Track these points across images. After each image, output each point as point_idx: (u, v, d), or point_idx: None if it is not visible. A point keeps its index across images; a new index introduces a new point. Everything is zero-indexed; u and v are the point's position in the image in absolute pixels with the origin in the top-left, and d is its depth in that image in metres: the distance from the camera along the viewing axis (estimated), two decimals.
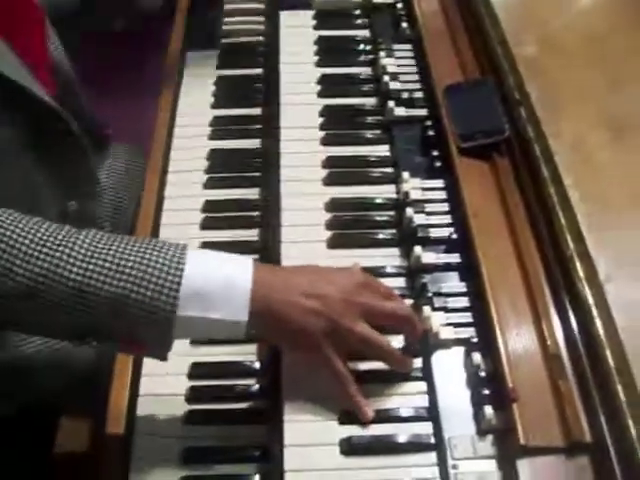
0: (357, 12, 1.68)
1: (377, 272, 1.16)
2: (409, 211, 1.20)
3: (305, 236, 1.22)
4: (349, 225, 1.24)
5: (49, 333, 1.03)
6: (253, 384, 1.09)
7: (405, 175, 1.26)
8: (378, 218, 1.25)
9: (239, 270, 0.97)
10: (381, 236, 1.22)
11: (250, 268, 0.97)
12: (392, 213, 1.25)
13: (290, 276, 1.02)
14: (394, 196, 1.28)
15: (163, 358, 0.98)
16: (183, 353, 1.10)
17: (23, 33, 1.19)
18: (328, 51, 1.58)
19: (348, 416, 1.01)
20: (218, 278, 0.95)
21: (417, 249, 1.15)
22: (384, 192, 1.29)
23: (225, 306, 0.94)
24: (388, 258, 1.19)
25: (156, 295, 0.92)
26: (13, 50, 1.12)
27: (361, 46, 1.59)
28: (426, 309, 1.07)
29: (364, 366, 1.06)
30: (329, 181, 1.31)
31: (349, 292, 1.01)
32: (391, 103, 1.39)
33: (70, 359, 1.25)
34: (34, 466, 1.30)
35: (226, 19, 1.72)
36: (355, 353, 1.04)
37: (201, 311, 0.93)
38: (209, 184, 1.37)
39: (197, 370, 1.10)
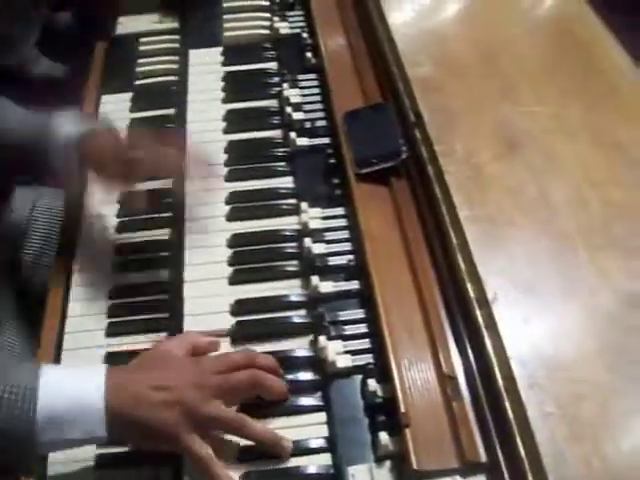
0: (265, 45, 1.68)
1: (280, 304, 1.17)
2: (307, 241, 1.20)
3: (208, 274, 1.22)
4: (251, 259, 1.24)
5: None
6: None
7: (304, 206, 1.26)
8: (281, 250, 1.25)
9: (91, 387, 0.98)
10: (284, 268, 1.22)
11: (102, 383, 0.98)
12: (295, 244, 1.25)
13: (138, 374, 1.03)
14: (297, 227, 1.27)
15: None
16: None
17: None
18: (235, 86, 1.58)
19: (247, 453, 1.01)
20: (71, 399, 0.97)
21: (314, 279, 1.15)
22: (288, 224, 1.29)
23: (81, 426, 0.96)
24: (291, 289, 1.19)
25: (15, 426, 0.94)
26: None
27: (267, 79, 1.59)
28: (322, 339, 1.07)
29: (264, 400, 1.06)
30: (232, 217, 1.31)
31: (197, 377, 1.01)
32: (293, 134, 1.39)
33: None
34: None
35: (140, 60, 1.72)
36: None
37: (60, 434, 0.95)
38: (120, 228, 1.36)
39: None
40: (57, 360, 1.16)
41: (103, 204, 1.38)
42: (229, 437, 1.02)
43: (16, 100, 1.41)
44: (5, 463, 0.99)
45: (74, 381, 0.99)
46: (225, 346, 1.14)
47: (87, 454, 1.04)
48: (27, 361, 1.04)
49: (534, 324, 0.98)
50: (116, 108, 1.59)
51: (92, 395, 0.97)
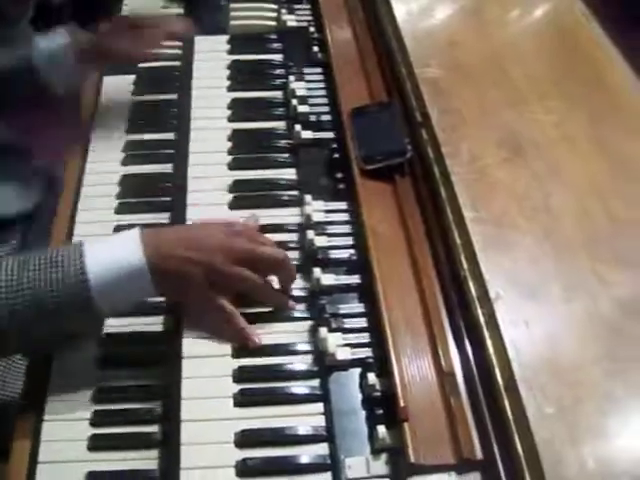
0: (271, 36, 1.69)
1: None
2: (310, 234, 1.21)
3: None
4: None
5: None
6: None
7: (307, 198, 1.27)
8: (283, 241, 1.25)
9: (130, 253, 1.06)
10: None
11: (139, 246, 1.06)
12: (296, 236, 1.26)
13: (170, 234, 1.13)
14: (299, 219, 1.28)
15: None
16: None
17: None
18: (240, 75, 1.59)
19: (244, 438, 1.02)
20: (117, 268, 1.04)
21: (316, 271, 1.16)
22: (290, 215, 1.30)
23: (132, 289, 1.07)
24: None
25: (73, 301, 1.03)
26: None
27: (273, 70, 1.60)
28: (322, 330, 1.08)
29: (262, 387, 1.07)
30: (235, 205, 1.32)
31: (224, 240, 1.11)
32: (298, 126, 1.41)
33: None
34: None
35: None
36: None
37: (114, 298, 1.06)
38: (120, 209, 1.37)
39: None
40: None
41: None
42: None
43: None
44: (74, 331, 1.12)
45: (114, 249, 1.06)
46: None
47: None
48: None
49: (535, 326, 0.99)
50: (118, 90, 1.60)
51: (134, 260, 1.05)
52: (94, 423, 1.07)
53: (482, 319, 1.01)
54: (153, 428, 1.06)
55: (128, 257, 1.05)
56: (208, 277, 1.08)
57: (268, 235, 1.24)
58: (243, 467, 0.99)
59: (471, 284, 1.04)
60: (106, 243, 1.09)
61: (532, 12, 1.55)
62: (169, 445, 1.03)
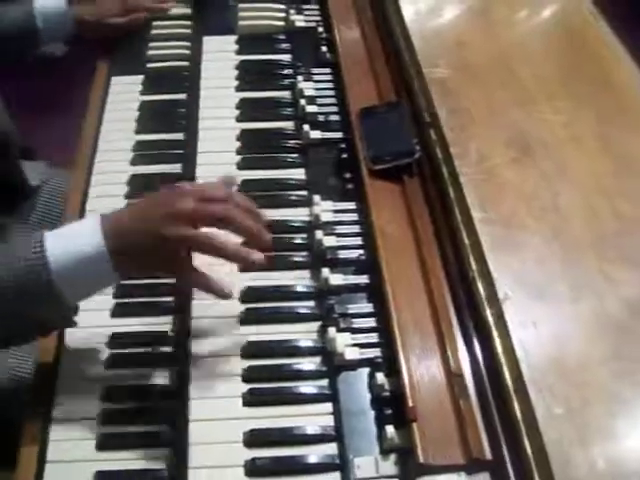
0: (280, 36, 1.70)
1: (288, 294, 1.19)
2: (319, 233, 1.21)
3: (217, 260, 1.21)
4: None
5: None
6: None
7: (316, 198, 1.27)
8: (291, 241, 1.26)
9: (88, 238, 1.04)
10: (294, 259, 1.24)
11: (97, 229, 1.04)
12: (305, 235, 1.26)
13: (124, 211, 1.11)
14: (307, 219, 1.29)
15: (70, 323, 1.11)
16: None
17: None
18: (249, 75, 1.59)
19: (252, 438, 1.02)
20: (77, 255, 1.02)
21: (325, 271, 1.16)
22: (299, 215, 1.31)
23: (94, 274, 1.04)
24: (300, 280, 1.20)
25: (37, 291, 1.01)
26: None
27: (282, 70, 1.61)
28: (331, 330, 1.09)
29: (271, 387, 1.08)
30: None
31: (169, 205, 1.06)
32: (307, 126, 1.41)
33: None
34: None
35: (151, 44, 1.72)
36: None
37: (78, 285, 1.04)
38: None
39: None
40: None
41: None
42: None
43: (14, 77, 1.45)
44: (43, 321, 1.08)
45: (73, 237, 1.04)
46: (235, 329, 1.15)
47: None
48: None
49: (543, 326, 0.99)
50: (126, 90, 1.60)
51: (91, 244, 1.03)
52: (103, 422, 1.08)
53: (491, 319, 1.01)
54: (162, 427, 1.07)
55: (88, 242, 1.03)
56: (158, 245, 1.05)
57: (276, 235, 1.24)
58: (252, 467, 1.00)
59: (479, 284, 1.04)
60: (65, 230, 1.07)
61: (540, 11, 1.55)
62: (177, 444, 1.03)
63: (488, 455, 0.95)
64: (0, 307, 1.03)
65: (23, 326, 1.07)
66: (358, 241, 1.23)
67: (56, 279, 1.01)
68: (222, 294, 1.09)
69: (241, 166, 1.39)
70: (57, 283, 1.01)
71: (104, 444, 1.06)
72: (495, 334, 0.99)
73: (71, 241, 1.03)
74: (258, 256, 1.08)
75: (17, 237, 1.07)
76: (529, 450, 0.89)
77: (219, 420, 1.04)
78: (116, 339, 1.16)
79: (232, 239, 1.08)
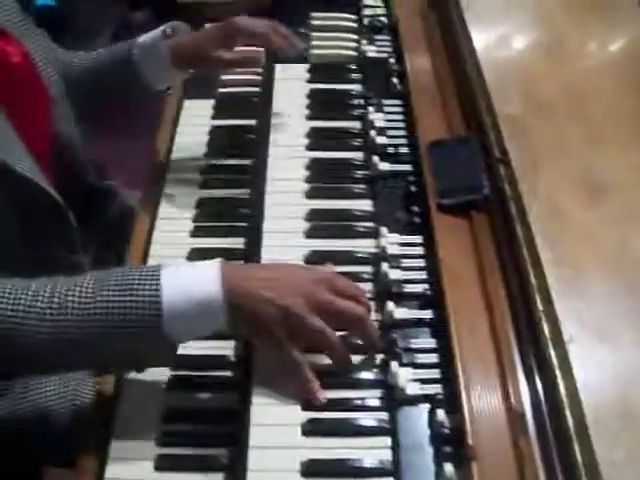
0: (351, 66, 1.71)
1: None
2: (385, 266, 1.21)
3: None
4: None
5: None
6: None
7: (383, 230, 1.27)
8: (357, 272, 1.26)
9: (208, 284, 1.05)
10: None
11: (217, 278, 1.05)
12: (370, 267, 1.27)
13: (252, 271, 1.12)
14: (374, 250, 1.29)
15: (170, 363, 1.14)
16: None
17: (30, 118, 1.24)
18: (319, 104, 1.61)
19: (310, 467, 1.02)
20: (192, 298, 1.04)
21: (390, 304, 1.16)
22: (364, 246, 1.31)
23: (204, 320, 1.06)
24: None
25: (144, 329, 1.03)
26: (20, 137, 1.18)
27: (352, 100, 1.62)
28: (394, 364, 1.08)
29: (330, 417, 1.08)
30: (310, 234, 1.33)
31: (307, 286, 1.09)
32: (376, 158, 1.41)
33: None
34: None
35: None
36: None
37: (186, 328, 1.05)
38: (196, 232, 1.39)
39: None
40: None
41: None
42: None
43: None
44: (144, 359, 1.11)
45: (192, 279, 1.06)
46: None
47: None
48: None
49: (607, 370, 0.98)
50: (197, 114, 1.62)
51: (210, 291, 1.04)
52: (161, 443, 1.09)
53: (555, 360, 1.00)
54: (221, 452, 1.07)
55: (205, 288, 1.04)
56: (285, 322, 1.07)
57: (342, 266, 1.25)
58: None
59: (545, 325, 1.04)
60: (185, 271, 1.08)
61: (614, 45, 1.54)
62: (236, 470, 1.04)
63: None
64: (104, 340, 1.04)
65: (123, 358, 1.11)
66: (423, 275, 1.22)
67: (166, 325, 1.03)
68: (311, 399, 1.09)
69: (309, 195, 1.40)
70: (167, 329, 1.03)
71: (162, 465, 1.07)
72: (559, 375, 0.99)
73: (188, 286, 1.04)
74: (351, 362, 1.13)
75: (131, 270, 1.07)
76: None
77: (277, 448, 1.05)
78: (179, 360, 1.17)
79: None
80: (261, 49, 1.56)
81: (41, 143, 1.27)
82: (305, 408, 1.07)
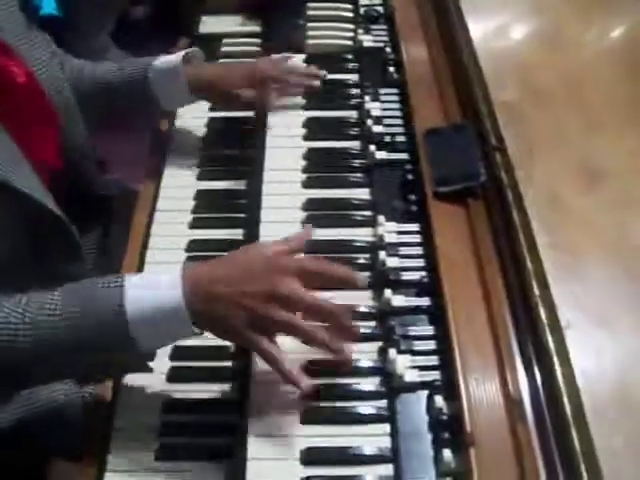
0: (348, 56, 1.71)
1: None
2: (382, 254, 1.22)
3: None
4: None
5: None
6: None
7: (380, 219, 1.27)
8: (354, 260, 1.26)
9: (168, 291, 1.04)
10: None
11: (178, 285, 1.04)
12: (368, 256, 1.27)
13: (214, 271, 1.08)
14: (371, 239, 1.29)
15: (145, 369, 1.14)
16: None
17: (35, 137, 1.24)
18: (316, 94, 1.60)
19: (309, 456, 1.03)
20: (155, 307, 1.04)
21: (387, 292, 1.16)
22: (362, 235, 1.31)
23: (170, 327, 1.05)
24: (362, 301, 1.20)
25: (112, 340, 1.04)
26: (25, 155, 1.19)
27: (349, 90, 1.61)
28: (392, 352, 1.09)
29: (329, 405, 1.08)
30: (308, 223, 1.33)
31: (268, 280, 1.05)
32: (372, 147, 1.41)
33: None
34: None
35: (221, 60, 1.76)
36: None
37: (153, 336, 1.05)
38: (195, 224, 1.39)
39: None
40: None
41: None
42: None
43: None
44: (117, 364, 1.14)
45: (154, 289, 1.05)
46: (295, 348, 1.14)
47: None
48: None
49: (606, 357, 0.98)
50: (195, 106, 1.61)
51: (172, 299, 1.03)
52: (162, 433, 1.10)
53: (552, 346, 1.00)
54: (220, 441, 1.08)
55: (167, 295, 1.04)
56: (251, 321, 1.05)
57: (339, 254, 1.25)
58: None
59: (542, 311, 1.04)
60: (147, 280, 1.07)
61: (611, 33, 1.54)
62: (235, 459, 1.04)
63: None
64: (77, 351, 1.05)
65: (96, 367, 1.12)
66: (421, 263, 1.23)
67: (134, 336, 1.03)
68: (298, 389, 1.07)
69: (306, 184, 1.40)
70: (137, 340, 1.03)
71: (162, 455, 1.08)
72: (556, 361, 0.99)
73: (151, 292, 1.04)
74: (348, 355, 1.10)
75: (96, 282, 1.08)
76: None
77: (277, 437, 1.05)
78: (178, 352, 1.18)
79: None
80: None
81: (48, 159, 1.28)
82: (302, 398, 1.07)
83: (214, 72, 1.52)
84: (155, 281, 1.06)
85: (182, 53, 1.49)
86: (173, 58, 1.48)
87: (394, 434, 1.04)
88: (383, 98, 1.54)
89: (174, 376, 1.16)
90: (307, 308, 1.06)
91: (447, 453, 0.98)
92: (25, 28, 1.31)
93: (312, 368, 1.11)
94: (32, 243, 1.22)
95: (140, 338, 1.03)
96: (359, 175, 1.42)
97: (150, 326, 1.03)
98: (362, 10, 1.79)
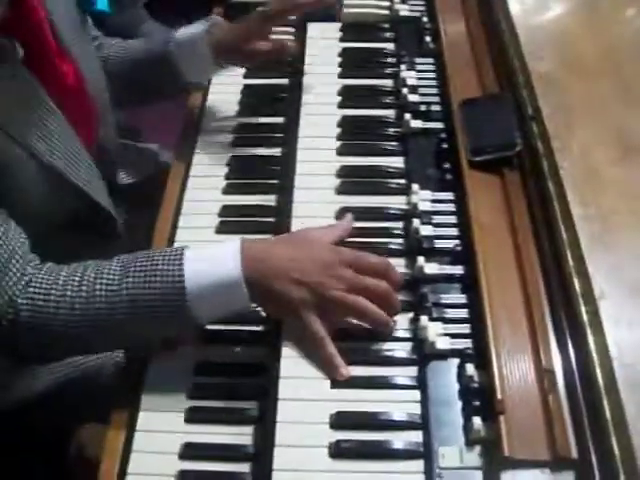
0: (383, 25, 1.70)
1: None
2: (416, 222, 1.21)
3: None
4: (357, 234, 1.24)
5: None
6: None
7: (415, 187, 1.27)
8: (388, 228, 1.26)
9: (229, 264, 1.07)
10: (390, 246, 1.23)
11: (238, 258, 1.07)
12: (402, 224, 1.27)
13: (276, 249, 1.13)
14: (405, 207, 1.29)
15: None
16: None
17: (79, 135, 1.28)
18: (352, 63, 1.60)
19: (339, 420, 1.03)
20: (214, 279, 1.07)
21: (420, 259, 1.16)
22: (396, 203, 1.30)
23: (227, 299, 1.08)
24: (396, 268, 1.19)
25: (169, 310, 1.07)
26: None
27: (384, 59, 1.61)
28: (423, 319, 1.09)
29: (360, 370, 1.08)
30: (341, 190, 1.33)
31: (332, 266, 1.10)
32: (408, 115, 1.41)
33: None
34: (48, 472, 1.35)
35: None
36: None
37: (210, 308, 1.08)
38: (227, 190, 1.39)
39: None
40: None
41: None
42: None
43: None
44: (168, 334, 1.15)
45: (214, 261, 1.08)
46: None
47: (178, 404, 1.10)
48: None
49: (639, 326, 0.98)
50: (229, 73, 1.61)
51: (231, 273, 1.06)
52: (192, 396, 1.10)
53: (585, 317, 1.00)
54: (250, 404, 1.08)
55: (226, 269, 1.07)
56: (310, 300, 1.09)
57: (373, 222, 1.26)
58: (336, 449, 1.00)
59: (576, 281, 1.03)
60: (206, 254, 1.10)
61: None
62: (265, 422, 1.05)
63: (574, 454, 0.93)
64: (132, 323, 1.08)
65: (149, 337, 1.15)
66: (455, 231, 1.22)
67: (192, 307, 1.06)
68: (335, 375, 1.08)
69: (341, 152, 1.40)
70: (192, 310, 1.06)
71: (192, 417, 1.08)
72: (589, 332, 0.98)
73: (210, 267, 1.07)
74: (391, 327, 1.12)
75: (155, 254, 1.11)
76: (617, 451, 0.88)
77: (307, 400, 1.05)
78: None
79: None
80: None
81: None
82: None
83: (228, 35, 1.49)
84: (214, 255, 1.09)
85: (202, 22, 1.48)
86: (193, 29, 1.48)
87: (424, 401, 1.04)
88: (419, 67, 1.53)
89: (206, 339, 1.16)
90: (364, 290, 1.10)
91: (477, 421, 0.98)
92: (79, 25, 1.34)
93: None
94: (74, 224, 1.26)
95: (198, 312, 1.06)
96: (394, 143, 1.41)
97: (208, 301, 1.06)
98: None
